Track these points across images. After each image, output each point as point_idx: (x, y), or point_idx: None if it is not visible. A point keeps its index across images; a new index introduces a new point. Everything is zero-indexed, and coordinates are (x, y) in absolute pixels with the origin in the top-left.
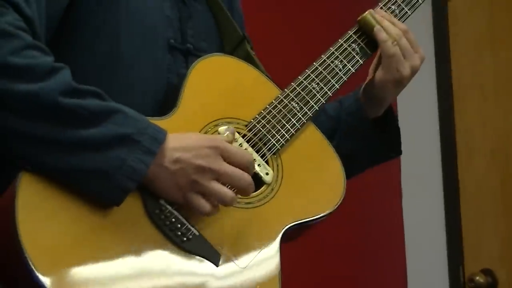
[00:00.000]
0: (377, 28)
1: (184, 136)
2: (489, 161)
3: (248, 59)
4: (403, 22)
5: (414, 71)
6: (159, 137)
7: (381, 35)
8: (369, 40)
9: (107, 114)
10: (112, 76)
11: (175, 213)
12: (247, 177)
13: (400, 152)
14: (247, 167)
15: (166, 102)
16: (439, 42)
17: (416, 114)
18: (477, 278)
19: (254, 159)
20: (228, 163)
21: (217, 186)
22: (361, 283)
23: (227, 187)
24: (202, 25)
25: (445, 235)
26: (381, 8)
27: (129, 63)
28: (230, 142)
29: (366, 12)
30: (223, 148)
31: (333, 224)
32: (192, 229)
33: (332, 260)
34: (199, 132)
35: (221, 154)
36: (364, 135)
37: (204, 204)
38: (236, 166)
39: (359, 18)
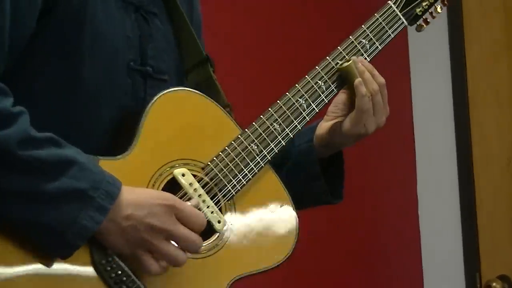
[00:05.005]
0: (358, 80)
1: (139, 191)
2: (505, 168)
3: (209, 81)
4: (373, 57)
5: (377, 128)
6: (113, 191)
7: (362, 90)
8: (337, 78)
9: (63, 167)
10: (72, 103)
11: (122, 265)
12: (199, 242)
13: (341, 198)
14: (199, 230)
15: (124, 128)
16: (455, 50)
17: (432, 122)
18: (494, 284)
19: (208, 206)
20: (181, 223)
21: (168, 248)
22: None
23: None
24: (162, 44)
25: (461, 242)
26: (352, 42)
27: (91, 88)
28: (196, 206)
29: (350, 61)
30: (178, 208)
31: (348, 231)
32: (138, 282)
33: (347, 268)
34: (154, 173)
35: (175, 214)
36: (310, 177)
37: (151, 265)
38: (189, 227)
39: (341, 65)
